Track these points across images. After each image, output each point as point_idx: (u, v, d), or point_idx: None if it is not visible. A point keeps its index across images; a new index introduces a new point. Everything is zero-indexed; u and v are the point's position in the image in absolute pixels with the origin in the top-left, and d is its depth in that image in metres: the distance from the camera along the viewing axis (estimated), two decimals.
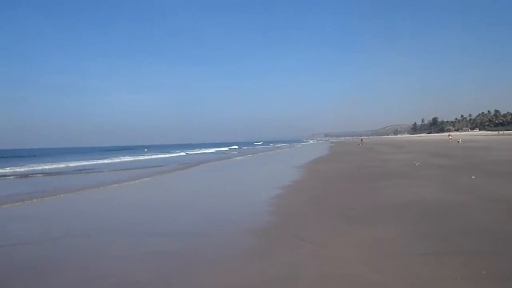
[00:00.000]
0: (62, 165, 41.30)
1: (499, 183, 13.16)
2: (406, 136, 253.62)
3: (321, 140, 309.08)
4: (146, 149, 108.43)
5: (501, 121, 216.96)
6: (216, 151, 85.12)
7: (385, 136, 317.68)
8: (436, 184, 13.73)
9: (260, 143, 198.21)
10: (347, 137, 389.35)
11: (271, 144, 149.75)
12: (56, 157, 68.47)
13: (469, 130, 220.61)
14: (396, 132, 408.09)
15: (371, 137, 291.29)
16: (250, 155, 54.01)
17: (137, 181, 20.96)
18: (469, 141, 66.53)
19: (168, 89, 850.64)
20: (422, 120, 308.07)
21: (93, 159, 52.90)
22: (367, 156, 35.05)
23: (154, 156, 59.21)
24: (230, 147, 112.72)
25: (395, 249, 6.38)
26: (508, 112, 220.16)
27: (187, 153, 69.72)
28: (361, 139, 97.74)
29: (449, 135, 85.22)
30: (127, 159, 51.41)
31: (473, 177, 14.95)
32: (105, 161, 48.51)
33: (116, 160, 50.57)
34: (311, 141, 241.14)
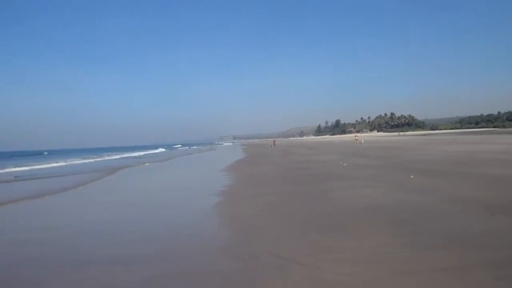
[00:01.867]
0: None
1: (441, 182, 13.10)
2: (312, 137, 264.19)
3: (231, 142, 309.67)
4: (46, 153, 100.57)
5: (396, 123, 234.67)
6: (140, 155, 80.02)
7: (292, 138, 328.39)
8: (379, 185, 13.36)
9: (179, 145, 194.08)
10: (255, 139, 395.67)
11: (191, 147, 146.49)
12: None
13: (368, 131, 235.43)
14: (301, 134, 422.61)
15: (278, 138, 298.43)
16: (173, 159, 51.17)
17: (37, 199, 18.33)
18: (373, 142, 70.25)
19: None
20: (326, 122, 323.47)
21: None
22: (288, 158, 34.88)
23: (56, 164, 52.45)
24: (152, 151, 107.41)
25: (401, 265, 5.46)
26: (402, 115, 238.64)
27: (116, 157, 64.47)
28: (274, 141, 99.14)
29: (355, 136, 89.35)
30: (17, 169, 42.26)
31: (411, 176, 14.89)
32: None
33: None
34: (225, 144, 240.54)
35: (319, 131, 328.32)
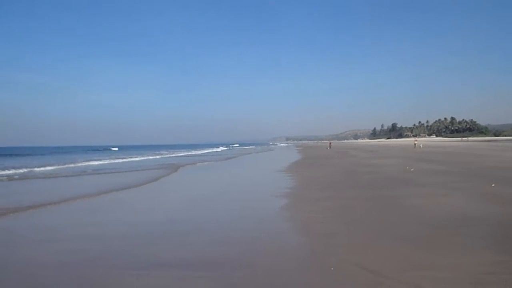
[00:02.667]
0: (69, 165, 38.34)
1: None
2: (367, 141, 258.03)
3: (286, 143, 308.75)
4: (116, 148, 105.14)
5: (456, 128, 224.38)
6: (208, 152, 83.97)
7: (346, 141, 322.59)
8: (459, 193, 12.25)
9: (236, 145, 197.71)
10: (308, 141, 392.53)
11: (246, 147, 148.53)
12: (47, 157, 64.59)
13: (427, 136, 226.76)
14: (356, 137, 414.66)
15: (333, 141, 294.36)
16: (232, 159, 51.41)
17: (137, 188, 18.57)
18: (433, 147, 67.18)
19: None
20: (382, 126, 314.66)
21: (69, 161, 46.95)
22: (348, 160, 33.77)
23: (140, 158, 54.30)
24: (215, 149, 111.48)
25: None
26: (463, 119, 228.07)
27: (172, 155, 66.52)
28: (330, 143, 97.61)
29: (415, 141, 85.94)
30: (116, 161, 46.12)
31: (493, 185, 13.64)
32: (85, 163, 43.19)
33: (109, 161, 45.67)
34: (280, 144, 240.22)
35: (374, 134, 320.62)
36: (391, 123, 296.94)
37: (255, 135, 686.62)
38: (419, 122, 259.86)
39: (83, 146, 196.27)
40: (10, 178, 24.89)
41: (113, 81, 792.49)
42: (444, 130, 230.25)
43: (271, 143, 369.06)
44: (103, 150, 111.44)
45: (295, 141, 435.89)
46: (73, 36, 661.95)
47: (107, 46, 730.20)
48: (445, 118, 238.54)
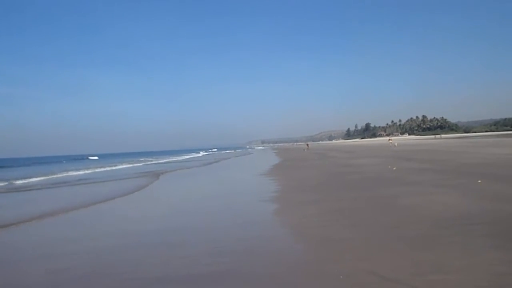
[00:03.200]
0: (51, 176, 37.12)
1: None
2: (341, 141, 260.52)
3: (262, 146, 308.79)
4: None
5: (428, 126, 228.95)
6: (189, 157, 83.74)
7: (322, 142, 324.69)
8: (448, 191, 12.20)
9: (215, 149, 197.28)
10: (284, 143, 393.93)
11: (226, 151, 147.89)
12: (26, 168, 62.63)
13: (399, 134, 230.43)
14: (330, 138, 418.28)
15: (308, 143, 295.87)
16: (213, 163, 50.84)
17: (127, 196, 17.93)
18: (408, 145, 68.04)
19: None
20: (356, 126, 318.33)
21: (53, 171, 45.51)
22: (328, 162, 33.77)
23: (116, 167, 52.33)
24: (195, 154, 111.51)
25: None
26: (434, 118, 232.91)
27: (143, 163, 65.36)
28: (307, 145, 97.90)
29: (389, 140, 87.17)
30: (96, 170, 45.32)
31: (479, 181, 13.67)
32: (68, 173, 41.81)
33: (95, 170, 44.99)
34: (258, 148, 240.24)
35: (348, 135, 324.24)
36: (365, 123, 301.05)
37: (231, 139, 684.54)
38: (392, 121, 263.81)
39: (60, 156, 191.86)
40: None
41: (88, 89, 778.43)
42: (416, 128, 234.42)
43: (248, 146, 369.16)
44: (82, 159, 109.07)
45: (271, 144, 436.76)
46: (53, 47, 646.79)
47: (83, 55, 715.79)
48: (417, 117, 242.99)
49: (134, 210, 14.19)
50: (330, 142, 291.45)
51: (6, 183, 30.26)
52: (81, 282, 6.17)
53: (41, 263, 7.51)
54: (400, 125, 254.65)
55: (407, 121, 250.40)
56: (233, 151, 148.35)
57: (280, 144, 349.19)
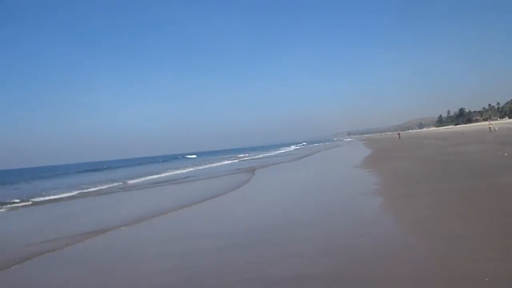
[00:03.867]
0: (160, 174, 40.27)
1: None
2: (433, 129, 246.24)
3: (350, 138, 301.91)
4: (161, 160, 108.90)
5: None
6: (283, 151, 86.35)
7: (411, 131, 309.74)
8: None
9: (304, 143, 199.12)
10: (371, 134, 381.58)
11: (315, 144, 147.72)
12: (132, 168, 68.40)
13: (498, 119, 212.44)
14: (420, 126, 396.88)
15: (394, 132, 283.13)
16: (307, 157, 50.86)
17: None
18: (508, 129, 62.12)
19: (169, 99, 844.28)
20: (448, 112, 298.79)
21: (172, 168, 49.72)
22: (425, 150, 31.78)
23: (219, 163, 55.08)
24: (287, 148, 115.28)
25: None
26: None
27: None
28: (398, 134, 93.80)
29: (489, 124, 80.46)
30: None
31: None
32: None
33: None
34: (346, 139, 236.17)
35: (440, 121, 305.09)
36: (458, 108, 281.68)
37: (317, 132, 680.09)
38: (489, 104, 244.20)
39: (156, 156, 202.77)
40: (98, 192, 25.89)
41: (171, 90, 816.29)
42: None
43: (335, 138, 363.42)
44: (180, 158, 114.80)
45: (357, 135, 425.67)
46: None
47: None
48: None
49: (241, 206, 14.35)
50: (421, 130, 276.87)
51: (120, 183, 32.48)
52: (201, 282, 6.11)
53: (146, 264, 7.64)
54: (498, 108, 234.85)
55: (507, 103, 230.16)
56: (322, 144, 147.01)
57: (367, 135, 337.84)
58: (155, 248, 8.85)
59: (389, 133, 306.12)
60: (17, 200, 23.46)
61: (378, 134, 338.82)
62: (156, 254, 8.16)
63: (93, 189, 28.94)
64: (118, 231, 11.28)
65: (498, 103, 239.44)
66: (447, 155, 23.84)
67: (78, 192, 27.38)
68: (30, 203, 22.70)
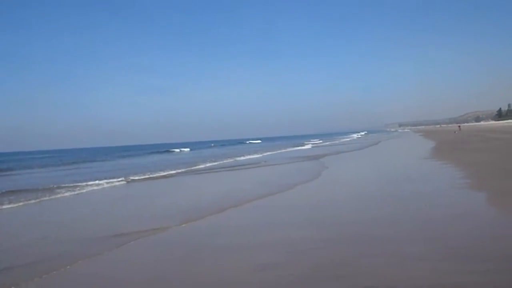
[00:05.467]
0: (235, 158, 38.25)
1: None
2: (491, 123, 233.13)
3: (400, 129, 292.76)
4: (212, 144, 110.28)
5: None
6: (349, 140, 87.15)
7: (467, 124, 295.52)
8: None
9: (365, 132, 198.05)
10: (424, 126, 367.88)
11: (373, 134, 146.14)
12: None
13: None
14: (478, 119, 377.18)
15: (449, 125, 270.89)
16: (372, 146, 49.31)
17: None
18: None
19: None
20: (509, 105, 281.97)
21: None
22: (497, 144, 29.29)
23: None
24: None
25: None
26: None
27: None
28: (459, 126, 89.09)
29: None
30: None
31: None
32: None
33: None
34: (400, 130, 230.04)
35: (499, 115, 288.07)
36: None
37: (368, 122, 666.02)
38: None
39: (219, 140, 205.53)
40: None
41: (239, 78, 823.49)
42: None
43: (388, 129, 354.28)
44: (243, 143, 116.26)
45: (409, 127, 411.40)
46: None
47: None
48: None
49: (327, 197, 13.29)
50: (478, 123, 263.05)
51: (203, 165, 31.48)
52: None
53: (250, 255, 6.75)
54: None
55: None
56: (379, 134, 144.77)
57: (420, 127, 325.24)
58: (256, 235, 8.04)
59: (444, 125, 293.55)
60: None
61: (432, 126, 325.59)
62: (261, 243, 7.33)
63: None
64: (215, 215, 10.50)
65: None
66: None
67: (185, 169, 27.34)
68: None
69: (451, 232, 6.92)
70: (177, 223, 9.47)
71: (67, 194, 17.44)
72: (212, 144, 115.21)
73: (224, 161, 34.90)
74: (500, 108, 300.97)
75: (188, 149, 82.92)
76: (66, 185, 20.26)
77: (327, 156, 33.75)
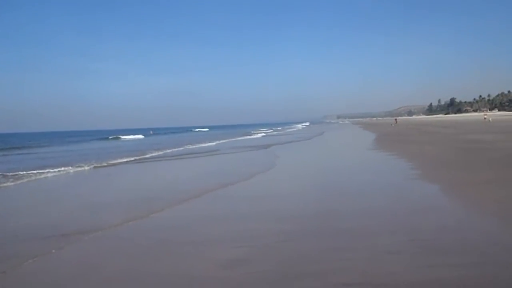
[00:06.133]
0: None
1: None
2: (423, 117, 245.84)
3: (339, 121, 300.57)
4: (151, 132, 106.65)
5: None
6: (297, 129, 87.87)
7: (401, 117, 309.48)
8: None
9: (307, 123, 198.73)
10: (361, 118, 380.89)
11: (315, 125, 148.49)
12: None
13: (488, 110, 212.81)
14: (410, 113, 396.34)
15: (384, 118, 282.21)
16: (318, 136, 49.69)
17: None
18: (505, 121, 61.46)
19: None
20: (439, 101, 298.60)
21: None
22: (438, 137, 30.50)
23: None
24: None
25: None
26: None
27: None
28: (395, 119, 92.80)
29: (484, 115, 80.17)
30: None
31: None
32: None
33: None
34: (340, 122, 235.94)
35: (430, 110, 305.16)
36: (449, 98, 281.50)
37: (307, 113, 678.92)
38: (480, 96, 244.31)
39: (162, 128, 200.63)
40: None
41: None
42: (508, 103, 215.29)
43: (327, 120, 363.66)
44: (189, 131, 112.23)
45: (347, 119, 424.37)
46: None
47: None
48: (509, 91, 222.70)
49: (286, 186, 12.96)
50: (411, 117, 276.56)
51: (155, 153, 29.29)
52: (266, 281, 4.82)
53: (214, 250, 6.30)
54: (489, 100, 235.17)
55: (497, 96, 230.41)
56: (320, 125, 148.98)
57: (358, 119, 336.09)
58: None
59: (380, 118, 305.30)
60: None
61: (369, 118, 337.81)
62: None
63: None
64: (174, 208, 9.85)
65: (488, 95, 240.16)
66: (470, 143, 22.58)
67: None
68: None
69: (419, 224, 6.82)
70: (134, 216, 8.61)
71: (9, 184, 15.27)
72: (151, 132, 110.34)
73: (177, 149, 32.75)
74: (431, 103, 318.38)
75: (131, 136, 77.81)
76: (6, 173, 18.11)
77: (279, 145, 33.80)
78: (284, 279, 4.83)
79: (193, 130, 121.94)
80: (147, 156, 27.09)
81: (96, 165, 21.29)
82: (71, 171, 19.08)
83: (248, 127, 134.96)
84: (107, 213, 9.36)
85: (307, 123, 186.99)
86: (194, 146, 36.51)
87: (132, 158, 24.74)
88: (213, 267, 5.35)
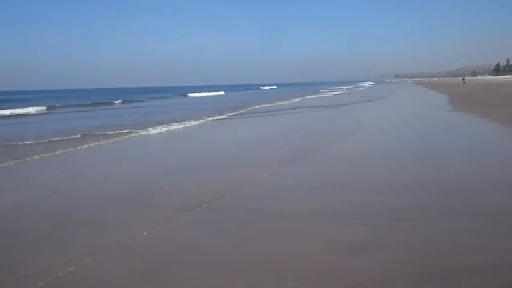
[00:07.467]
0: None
1: None
2: (489, 77, 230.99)
3: (397, 80, 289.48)
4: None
5: None
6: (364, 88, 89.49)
7: (467, 78, 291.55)
8: None
9: (371, 82, 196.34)
10: (420, 78, 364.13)
11: (379, 84, 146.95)
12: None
13: None
14: (474, 74, 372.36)
15: (445, 78, 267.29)
16: (391, 95, 50.71)
17: None
18: None
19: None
20: (507, 61, 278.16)
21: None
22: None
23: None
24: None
25: None
26: None
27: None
28: (463, 79, 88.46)
29: None
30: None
31: None
32: None
33: None
34: (402, 82, 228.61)
35: (497, 70, 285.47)
36: None
37: (364, 72, 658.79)
38: None
39: (232, 84, 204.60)
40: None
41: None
42: None
43: (387, 80, 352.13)
44: (257, 88, 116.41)
45: (405, 79, 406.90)
46: None
47: None
48: None
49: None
50: (475, 78, 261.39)
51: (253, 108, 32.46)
52: None
53: None
54: None
55: None
56: (382, 84, 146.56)
57: (417, 79, 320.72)
58: None
59: (442, 78, 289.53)
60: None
61: (428, 79, 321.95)
62: None
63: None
64: None
65: None
66: None
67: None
68: None
69: None
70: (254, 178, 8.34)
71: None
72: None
73: (272, 104, 35.96)
74: (499, 63, 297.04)
75: (212, 93, 79.97)
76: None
77: (362, 103, 34.98)
78: (428, 277, 3.79)
79: (261, 87, 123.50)
80: (250, 109, 30.43)
81: (214, 118, 23.94)
82: (196, 123, 21.38)
83: (315, 85, 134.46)
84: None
85: (371, 82, 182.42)
86: (281, 103, 38.90)
87: (239, 112, 28.00)
88: (336, 256, 4.41)
